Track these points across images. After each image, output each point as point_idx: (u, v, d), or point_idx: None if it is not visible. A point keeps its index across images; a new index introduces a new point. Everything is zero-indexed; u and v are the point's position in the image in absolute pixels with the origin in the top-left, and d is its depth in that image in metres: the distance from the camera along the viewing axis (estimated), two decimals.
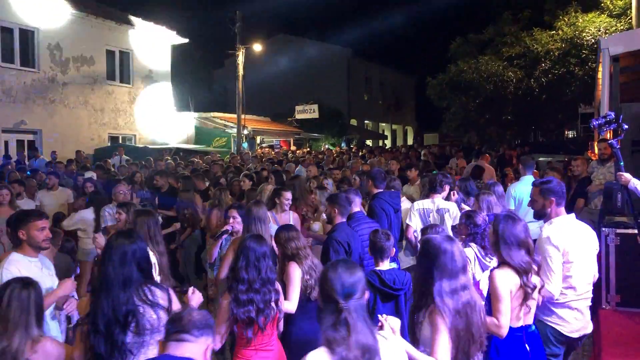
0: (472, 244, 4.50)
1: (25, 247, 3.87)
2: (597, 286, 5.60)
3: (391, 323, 2.75)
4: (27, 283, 2.94)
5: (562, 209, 4.03)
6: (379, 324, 2.75)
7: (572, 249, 3.88)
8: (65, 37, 19.24)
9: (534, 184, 4.19)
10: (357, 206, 5.55)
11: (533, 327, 3.52)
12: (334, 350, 2.30)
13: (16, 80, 17.82)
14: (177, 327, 2.44)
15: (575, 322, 3.96)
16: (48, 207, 8.40)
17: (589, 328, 4.06)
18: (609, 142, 5.33)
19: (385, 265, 4.18)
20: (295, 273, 4.07)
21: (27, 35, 18.38)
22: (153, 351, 2.98)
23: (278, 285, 3.64)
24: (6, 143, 17.74)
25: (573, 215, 4.12)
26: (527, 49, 22.50)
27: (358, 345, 2.30)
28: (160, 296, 3.08)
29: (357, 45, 38.77)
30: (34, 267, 3.84)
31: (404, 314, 4.02)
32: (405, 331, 3.37)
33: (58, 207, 8.60)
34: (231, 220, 5.19)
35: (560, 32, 21.62)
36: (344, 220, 5.12)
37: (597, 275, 4.22)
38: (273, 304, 3.48)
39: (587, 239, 4.04)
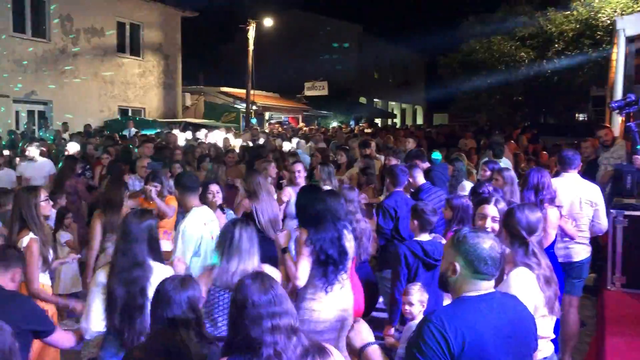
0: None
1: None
2: (603, 268, 5.68)
3: None
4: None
5: None
6: None
7: None
8: (76, 8, 19.16)
9: None
10: (421, 179, 5.91)
11: None
12: (533, 269, 3.02)
13: (27, 51, 17.82)
14: None
15: None
16: (30, 179, 8.42)
17: None
18: (628, 124, 5.34)
19: (425, 237, 4.35)
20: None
21: (39, 5, 18.33)
22: None
23: None
24: (17, 113, 17.84)
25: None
26: (541, 29, 22.21)
27: (548, 267, 3.08)
28: None
29: (368, 22, 38.40)
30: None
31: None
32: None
33: (41, 179, 8.55)
34: (215, 194, 5.34)
35: (575, 12, 21.29)
36: (399, 189, 5.51)
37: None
38: None
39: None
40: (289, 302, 2.19)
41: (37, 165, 8.83)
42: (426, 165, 6.91)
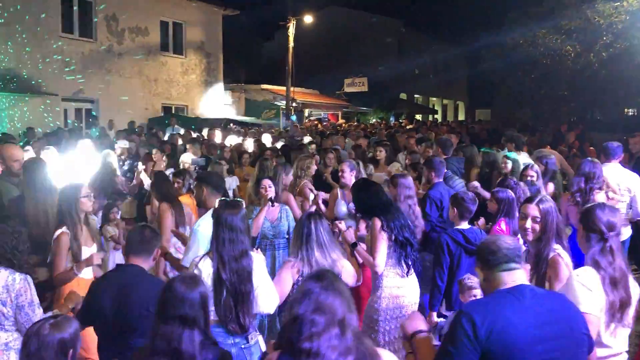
0: None
1: None
2: None
3: None
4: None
5: None
6: None
7: None
8: (121, 8, 19.63)
9: None
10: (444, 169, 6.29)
11: None
12: (600, 269, 2.87)
13: (75, 50, 18.36)
14: None
15: None
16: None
17: None
18: None
19: (465, 225, 4.53)
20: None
21: (86, 6, 18.86)
22: None
23: None
24: (65, 111, 18.40)
25: None
26: (588, 22, 21.53)
27: (620, 269, 2.88)
28: None
29: (409, 17, 38.03)
30: None
31: None
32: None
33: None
34: (268, 189, 5.40)
35: (625, 3, 20.55)
36: (440, 180, 5.90)
37: None
38: None
39: None
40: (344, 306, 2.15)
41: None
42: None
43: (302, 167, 6.58)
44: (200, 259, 3.53)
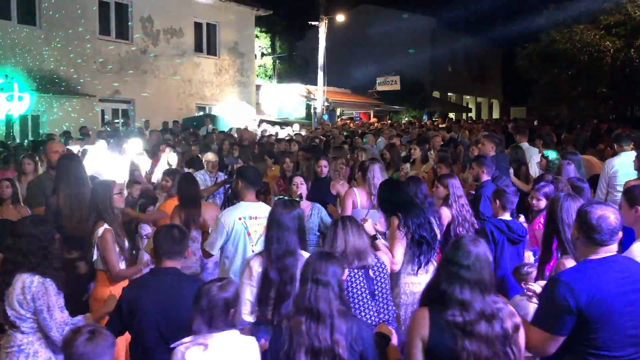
0: None
1: None
2: None
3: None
4: None
5: None
6: None
7: None
8: (156, 10, 19.97)
9: None
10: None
11: None
12: None
13: (111, 52, 18.75)
14: None
15: None
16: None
17: None
18: None
19: (507, 216, 4.78)
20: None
21: (122, 8, 19.24)
22: None
23: None
24: (102, 111, 18.82)
25: None
26: (628, 17, 20.93)
27: None
28: None
29: (442, 14, 37.57)
30: None
31: (522, 257, 4.74)
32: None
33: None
34: (299, 185, 5.53)
35: None
36: (489, 178, 6.02)
37: None
38: None
39: None
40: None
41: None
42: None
43: (335, 168, 6.66)
44: (254, 257, 3.66)
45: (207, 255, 4.59)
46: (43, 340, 3.37)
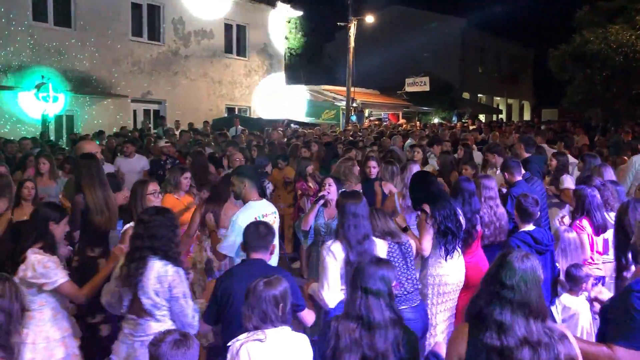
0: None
1: None
2: None
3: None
4: None
5: None
6: None
7: None
8: (187, 12, 20.25)
9: None
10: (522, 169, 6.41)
11: None
12: None
13: (143, 53, 19.07)
14: None
15: None
16: (126, 173, 8.81)
17: None
18: None
19: (530, 227, 4.71)
20: None
21: (154, 10, 19.56)
22: None
23: None
24: (134, 112, 19.15)
25: None
26: None
27: None
28: None
29: (472, 15, 37.20)
30: None
31: (549, 268, 4.68)
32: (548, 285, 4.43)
33: (135, 174, 8.82)
34: (327, 187, 5.44)
35: None
36: (520, 178, 6.03)
37: None
38: None
39: None
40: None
41: (133, 161, 9.24)
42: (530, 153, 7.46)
43: (345, 170, 6.54)
44: (332, 243, 3.99)
45: (221, 257, 4.62)
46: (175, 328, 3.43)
